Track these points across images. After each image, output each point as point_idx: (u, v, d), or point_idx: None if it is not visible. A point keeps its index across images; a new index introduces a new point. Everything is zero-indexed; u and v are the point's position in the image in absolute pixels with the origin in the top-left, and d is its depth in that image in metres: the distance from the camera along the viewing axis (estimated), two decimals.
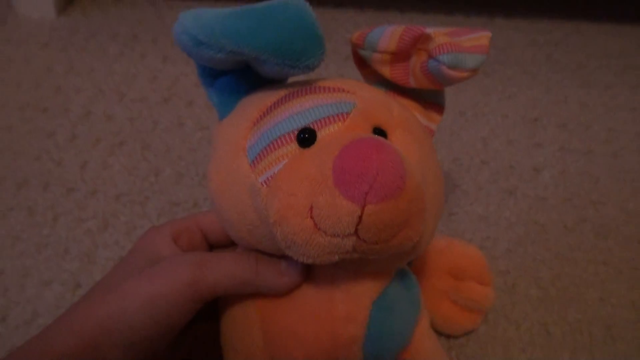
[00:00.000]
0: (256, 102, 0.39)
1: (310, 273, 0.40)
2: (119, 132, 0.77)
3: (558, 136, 0.79)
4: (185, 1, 1.01)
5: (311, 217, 0.33)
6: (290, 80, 0.41)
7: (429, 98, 0.44)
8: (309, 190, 0.32)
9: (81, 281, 0.61)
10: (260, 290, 0.40)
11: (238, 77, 0.41)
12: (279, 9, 0.35)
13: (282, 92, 0.39)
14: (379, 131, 0.38)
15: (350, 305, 0.40)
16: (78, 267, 0.62)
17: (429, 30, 0.38)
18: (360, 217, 0.32)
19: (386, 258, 0.37)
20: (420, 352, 0.45)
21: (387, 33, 0.40)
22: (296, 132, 0.36)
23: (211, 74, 0.41)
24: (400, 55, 0.40)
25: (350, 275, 0.40)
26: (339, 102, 0.38)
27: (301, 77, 0.39)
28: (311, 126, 0.36)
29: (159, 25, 0.96)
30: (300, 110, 0.37)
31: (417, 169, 0.35)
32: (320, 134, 0.36)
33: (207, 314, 0.44)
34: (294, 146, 0.36)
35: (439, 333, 0.55)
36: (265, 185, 0.36)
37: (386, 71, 0.42)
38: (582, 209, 0.70)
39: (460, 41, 0.38)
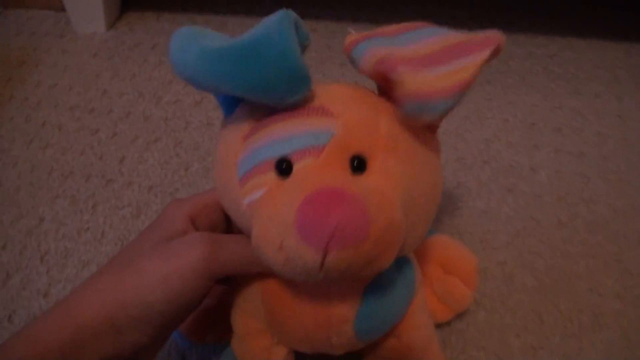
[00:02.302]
0: (248, 116, 0.36)
1: None
2: (154, 130, 0.75)
3: (553, 139, 0.76)
4: (219, 15, 0.98)
5: (283, 251, 0.31)
6: None
7: None
8: (279, 229, 0.31)
9: None
10: (265, 270, 0.37)
11: None
12: (261, 48, 0.30)
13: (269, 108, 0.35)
14: (359, 160, 0.34)
15: (343, 287, 0.38)
16: (113, 250, 0.60)
17: (400, 69, 0.32)
18: (322, 262, 0.30)
19: None
20: (411, 325, 0.44)
21: (367, 56, 0.34)
22: (275, 161, 0.34)
23: None
24: (379, 75, 0.35)
25: None
26: (318, 132, 0.33)
27: None
28: (288, 157, 0.33)
29: None
30: (280, 137, 0.34)
31: (395, 198, 0.33)
32: (296, 167, 0.33)
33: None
34: (272, 175, 0.34)
35: None
36: (248, 209, 0.34)
37: (373, 80, 0.37)
38: (575, 206, 0.66)
39: (433, 81, 0.32)
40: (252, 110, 0.36)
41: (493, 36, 0.33)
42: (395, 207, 0.32)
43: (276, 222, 0.31)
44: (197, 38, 0.32)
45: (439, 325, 0.53)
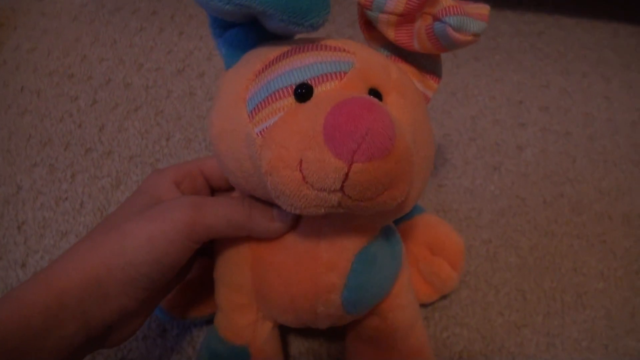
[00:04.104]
0: (260, 55, 0.35)
1: (299, 221, 0.37)
2: (135, 98, 0.73)
3: (540, 118, 0.75)
4: None
5: (300, 170, 0.29)
6: (297, 38, 0.37)
7: (428, 67, 0.39)
8: (299, 144, 0.29)
9: None
10: (252, 233, 0.38)
11: (246, 30, 0.37)
12: None
13: (285, 47, 0.35)
14: (375, 92, 0.34)
15: (333, 254, 0.37)
16: (92, 221, 0.59)
17: None
18: (346, 175, 0.28)
19: (371, 214, 0.34)
20: (396, 305, 0.43)
21: None
22: (294, 87, 0.32)
23: (221, 26, 0.37)
24: (406, 18, 0.36)
25: (337, 226, 0.37)
26: (338, 61, 0.34)
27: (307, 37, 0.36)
28: (309, 82, 0.32)
29: (177, 3, 0.91)
30: (300, 65, 0.33)
31: (408, 132, 0.32)
32: (317, 90, 0.32)
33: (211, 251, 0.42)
34: (290, 100, 0.32)
35: None
36: (260, 136, 0.32)
37: (391, 34, 0.37)
38: (560, 185, 0.66)
39: (465, 7, 0.34)
40: (262, 51, 0.36)
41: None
42: (409, 137, 0.32)
43: (296, 137, 0.29)
44: None
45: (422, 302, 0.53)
